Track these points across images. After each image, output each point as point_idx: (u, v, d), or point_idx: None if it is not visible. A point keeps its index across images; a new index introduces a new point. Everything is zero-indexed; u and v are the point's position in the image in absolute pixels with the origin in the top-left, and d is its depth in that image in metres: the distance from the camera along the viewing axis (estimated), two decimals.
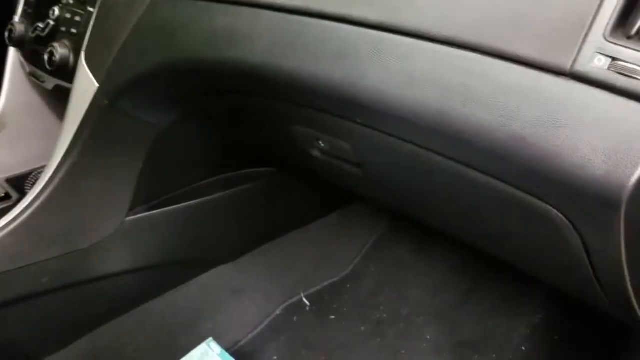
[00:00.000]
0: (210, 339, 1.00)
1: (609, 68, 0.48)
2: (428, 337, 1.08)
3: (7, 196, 1.05)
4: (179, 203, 1.00)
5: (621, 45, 0.46)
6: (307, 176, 1.15)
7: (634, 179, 0.45)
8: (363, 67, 0.60)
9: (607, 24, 0.48)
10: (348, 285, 1.23)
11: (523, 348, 1.05)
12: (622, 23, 0.47)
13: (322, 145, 0.78)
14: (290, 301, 1.18)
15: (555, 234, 0.57)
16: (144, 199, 0.97)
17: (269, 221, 1.21)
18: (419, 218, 0.89)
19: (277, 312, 1.16)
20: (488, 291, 1.17)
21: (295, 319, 1.14)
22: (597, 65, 0.49)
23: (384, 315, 1.16)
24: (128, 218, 0.96)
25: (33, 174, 1.12)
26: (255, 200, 1.13)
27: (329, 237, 1.30)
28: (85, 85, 0.88)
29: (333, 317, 1.16)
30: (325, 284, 1.23)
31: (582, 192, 0.49)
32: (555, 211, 0.54)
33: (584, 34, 0.49)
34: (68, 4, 0.93)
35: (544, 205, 0.54)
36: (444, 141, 0.57)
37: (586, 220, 0.52)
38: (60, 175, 0.88)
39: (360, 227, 1.32)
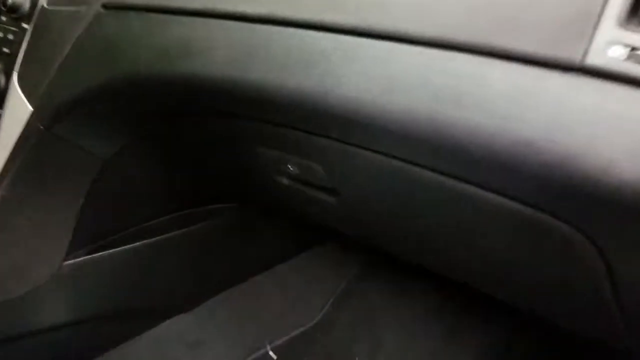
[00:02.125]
0: None
1: (627, 59, 0.42)
2: None
3: None
4: (127, 244, 0.88)
5: None
6: (272, 212, 1.05)
7: None
8: (337, 74, 0.53)
9: (621, 10, 0.42)
10: (319, 334, 1.13)
11: None
12: (635, 9, 0.41)
13: (291, 169, 0.69)
14: (255, 354, 1.10)
15: (571, 259, 0.48)
16: (85, 240, 0.85)
17: (230, 264, 1.09)
18: (401, 254, 0.80)
19: None
20: (473, 332, 1.08)
21: None
22: (613, 57, 0.42)
23: None
24: (67, 262, 0.83)
25: None
26: (214, 240, 1.02)
27: (297, 281, 1.19)
28: (18, 109, 0.78)
29: None
30: (294, 333, 1.14)
31: (605, 201, 0.41)
32: (572, 229, 0.46)
33: (593, 22, 0.43)
34: (0, 21, 0.84)
35: (557, 222, 0.46)
36: (436, 153, 0.49)
37: (611, 238, 0.44)
38: None
39: (331, 268, 1.22)
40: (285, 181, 0.76)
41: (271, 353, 1.10)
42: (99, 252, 0.86)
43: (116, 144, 0.79)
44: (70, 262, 0.84)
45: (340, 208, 0.72)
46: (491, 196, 0.49)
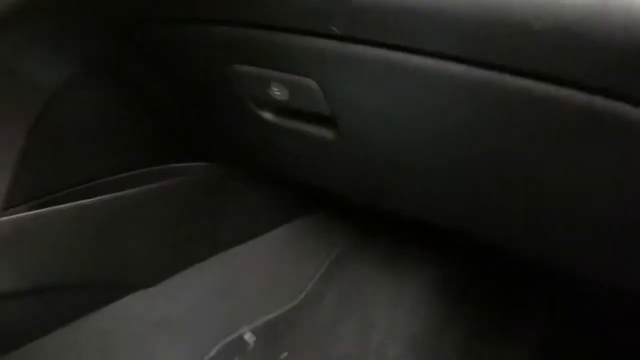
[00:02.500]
0: None
1: None
2: None
3: None
4: (78, 200, 0.74)
5: None
6: (252, 170, 0.92)
7: None
8: None
9: None
10: (303, 314, 1.01)
11: None
12: None
13: (278, 93, 0.57)
14: (230, 337, 0.97)
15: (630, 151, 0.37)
16: (27, 192, 0.71)
17: (201, 233, 0.95)
18: (411, 209, 0.67)
19: (213, 352, 0.95)
20: (474, 312, 0.97)
21: None
22: None
23: (349, 350, 0.95)
24: (3, 218, 0.69)
25: None
26: (184, 202, 0.88)
27: (278, 255, 1.06)
28: None
29: (285, 355, 0.97)
30: (275, 313, 1.02)
31: None
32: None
33: None
34: None
35: (617, 103, 0.35)
36: (477, 33, 0.37)
37: None
38: None
39: (316, 241, 1.09)
40: (269, 116, 0.63)
41: (248, 335, 0.97)
42: (44, 207, 0.71)
43: (64, 71, 0.65)
44: (7, 218, 0.69)
45: (339, 146, 0.59)
46: (554, 90, 0.37)
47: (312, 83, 0.52)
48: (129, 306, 0.89)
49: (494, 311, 0.97)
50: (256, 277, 1.02)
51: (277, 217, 1.06)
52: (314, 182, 0.78)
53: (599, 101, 0.36)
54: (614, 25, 0.32)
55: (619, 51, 0.33)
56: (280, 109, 0.62)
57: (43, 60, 0.64)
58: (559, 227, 0.50)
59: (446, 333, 0.96)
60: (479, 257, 0.97)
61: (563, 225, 0.49)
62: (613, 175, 0.40)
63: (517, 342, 0.93)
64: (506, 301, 0.99)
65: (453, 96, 0.43)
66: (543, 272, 0.90)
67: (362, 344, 0.96)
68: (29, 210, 0.71)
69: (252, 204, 0.99)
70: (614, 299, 0.85)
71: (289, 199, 1.05)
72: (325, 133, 0.59)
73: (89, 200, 0.75)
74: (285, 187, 0.97)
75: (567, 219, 0.48)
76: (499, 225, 0.58)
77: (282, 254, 1.06)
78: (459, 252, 1.01)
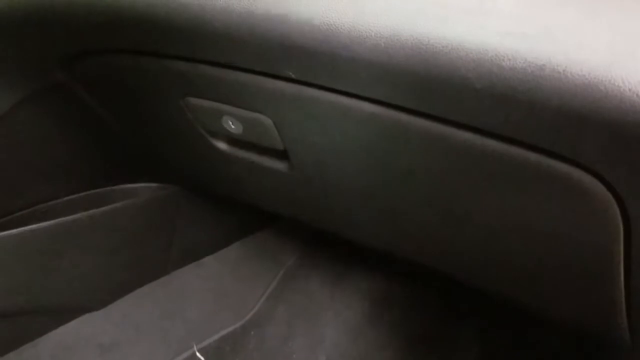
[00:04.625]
0: None
1: None
2: None
3: None
4: (21, 226, 0.72)
5: None
6: (203, 194, 0.92)
7: None
8: None
9: None
10: (252, 332, 1.01)
11: None
12: None
13: (232, 126, 0.58)
14: (180, 357, 0.95)
15: (584, 219, 0.40)
16: None
17: (148, 255, 0.94)
18: (361, 236, 0.69)
19: None
20: (418, 325, 1.00)
21: None
22: None
23: None
24: None
25: None
26: (131, 224, 0.87)
27: (227, 274, 1.06)
28: None
29: None
30: (224, 332, 1.01)
31: (632, 134, 0.33)
32: (593, 179, 0.38)
33: None
34: None
35: (575, 171, 0.38)
36: (425, 89, 0.40)
37: (633, 182, 0.37)
38: None
39: (265, 259, 1.10)
40: (223, 145, 0.64)
41: (199, 355, 0.97)
42: None
43: (10, 98, 0.64)
44: None
45: (292, 177, 0.61)
46: (493, 144, 0.40)
47: (266, 119, 0.53)
48: (77, 330, 0.87)
49: (438, 323, 1.01)
50: (205, 296, 1.02)
51: (227, 236, 1.06)
52: (266, 207, 0.79)
53: (532, 156, 0.39)
54: (549, 90, 0.35)
55: (552, 113, 0.36)
56: (234, 140, 0.63)
57: None
58: (484, 256, 0.54)
59: (391, 347, 0.98)
60: (424, 273, 1.01)
61: (488, 253, 0.53)
62: (532, 214, 0.44)
63: (461, 355, 0.97)
64: (451, 313, 1.03)
65: (401, 141, 0.46)
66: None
67: None
68: None
69: (202, 223, 0.99)
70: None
71: (239, 217, 1.05)
72: (279, 165, 0.61)
73: (34, 226, 0.73)
74: (236, 205, 0.98)
75: (492, 249, 0.52)
76: (435, 252, 0.61)
77: (231, 273, 1.06)
78: (404, 266, 1.04)
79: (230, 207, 0.99)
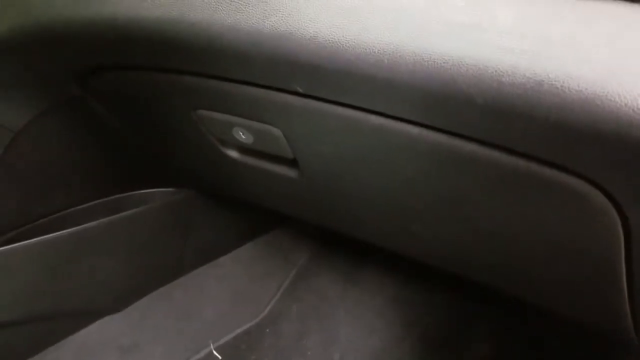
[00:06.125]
0: None
1: None
2: None
3: None
4: (43, 235, 0.75)
5: None
6: (215, 197, 0.94)
7: None
8: (302, 10, 0.44)
9: None
10: (267, 330, 1.03)
11: None
12: None
13: (242, 137, 0.59)
14: (198, 355, 0.98)
15: (584, 226, 0.42)
16: None
17: (165, 257, 0.97)
18: (370, 238, 0.71)
19: None
20: (431, 323, 1.01)
21: None
22: None
23: None
24: None
25: None
26: (148, 229, 0.89)
27: (241, 273, 1.08)
28: None
29: None
30: (240, 330, 1.03)
31: (629, 146, 0.35)
32: (592, 188, 0.39)
33: None
34: None
35: (574, 180, 0.39)
36: (428, 102, 0.41)
37: (631, 191, 0.38)
38: None
39: (278, 258, 1.12)
40: (234, 154, 0.66)
41: (215, 353, 0.99)
42: (10, 244, 0.72)
43: (28, 112, 0.66)
44: None
45: (302, 183, 0.62)
46: (496, 154, 0.42)
47: (275, 131, 0.55)
48: (97, 333, 0.90)
49: (450, 321, 1.03)
50: (221, 296, 1.04)
51: (241, 236, 1.09)
52: (278, 209, 0.80)
53: (534, 167, 0.40)
54: (548, 105, 0.36)
55: (552, 126, 0.37)
56: (245, 149, 0.64)
57: (6, 103, 0.65)
58: (489, 259, 0.55)
59: (405, 343, 1.00)
60: (436, 271, 1.02)
61: (493, 257, 0.54)
62: (534, 221, 0.45)
63: (474, 351, 0.98)
64: (463, 311, 1.04)
65: (407, 152, 0.47)
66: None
67: (325, 357, 0.99)
68: None
69: (216, 224, 1.01)
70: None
71: (252, 217, 1.07)
72: (289, 172, 0.62)
73: (55, 234, 0.76)
74: (248, 207, 1.00)
75: (497, 253, 0.53)
76: (443, 255, 0.62)
77: (245, 272, 1.09)
78: (417, 265, 1.05)
79: (242, 209, 1.01)
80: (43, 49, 0.59)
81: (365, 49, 0.42)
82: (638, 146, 0.35)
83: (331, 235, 1.12)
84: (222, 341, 1.00)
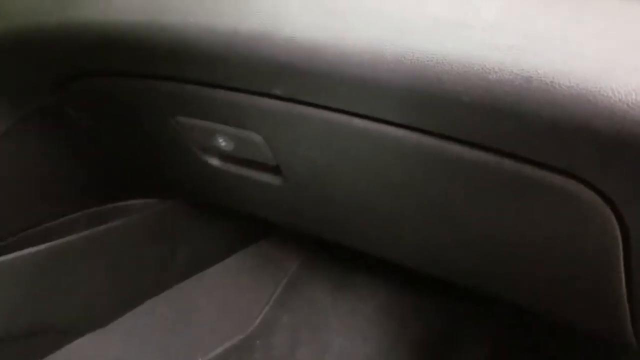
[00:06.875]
0: None
1: None
2: None
3: None
4: (23, 249, 0.72)
5: None
6: (199, 206, 0.92)
7: None
8: (281, 10, 0.43)
9: None
10: (258, 342, 1.01)
11: None
12: None
13: (223, 144, 0.57)
14: None
15: (579, 228, 0.40)
16: None
17: (150, 270, 0.94)
18: (358, 246, 0.69)
19: None
20: (423, 329, 0.99)
21: None
22: None
23: None
24: None
25: None
26: (131, 241, 0.86)
27: (230, 284, 1.06)
28: None
29: None
30: (229, 344, 1.00)
31: (626, 144, 0.33)
32: (585, 188, 0.37)
33: None
34: None
35: (566, 181, 0.38)
36: (412, 103, 0.39)
37: (629, 194, 0.36)
38: None
39: (267, 268, 1.09)
40: (215, 162, 0.64)
41: None
42: None
43: (6, 120, 0.63)
44: None
45: (285, 190, 0.60)
46: (484, 156, 0.40)
47: (257, 137, 0.53)
48: (82, 348, 0.87)
49: (442, 323, 1.01)
50: (209, 307, 1.01)
51: (229, 246, 1.06)
52: (262, 217, 0.78)
53: (525, 168, 0.38)
54: (538, 102, 0.35)
55: (542, 125, 0.35)
56: (226, 155, 0.62)
57: None
58: (483, 263, 0.53)
59: (399, 349, 0.98)
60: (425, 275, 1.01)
61: (488, 261, 0.53)
62: (529, 224, 0.43)
63: (467, 355, 0.97)
64: (456, 315, 1.02)
65: (393, 155, 0.45)
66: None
67: None
68: None
69: (203, 234, 0.99)
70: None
71: (240, 226, 1.05)
72: (272, 179, 0.60)
73: (34, 248, 0.73)
74: (235, 216, 0.97)
75: (491, 257, 0.51)
76: (434, 260, 0.61)
77: (234, 283, 1.06)
78: (409, 270, 1.03)
79: (229, 218, 0.99)
80: (18, 55, 0.57)
81: (346, 49, 0.40)
82: (633, 142, 0.33)
83: (321, 243, 1.09)
84: (210, 355, 0.98)
